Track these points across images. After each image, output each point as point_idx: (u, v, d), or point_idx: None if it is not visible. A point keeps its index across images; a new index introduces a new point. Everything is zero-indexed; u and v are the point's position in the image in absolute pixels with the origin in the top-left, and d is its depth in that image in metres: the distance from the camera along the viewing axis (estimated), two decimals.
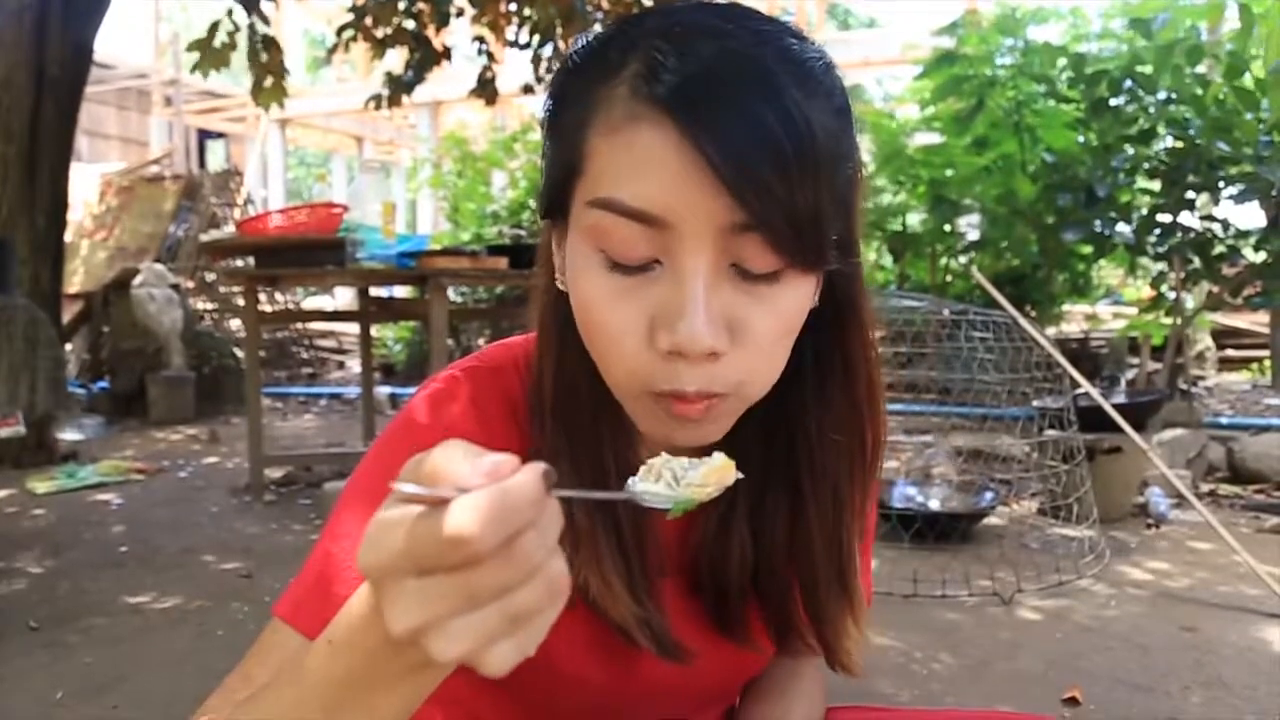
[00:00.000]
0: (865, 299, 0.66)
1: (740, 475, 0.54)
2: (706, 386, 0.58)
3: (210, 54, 4.56)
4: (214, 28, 4.59)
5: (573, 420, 0.67)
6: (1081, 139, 4.50)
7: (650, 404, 0.60)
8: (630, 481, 0.52)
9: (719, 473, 0.53)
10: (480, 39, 5.40)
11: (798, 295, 0.59)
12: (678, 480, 0.53)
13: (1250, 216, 4.34)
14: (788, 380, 0.63)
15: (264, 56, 4.67)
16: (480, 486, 0.38)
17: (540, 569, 0.39)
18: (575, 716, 0.74)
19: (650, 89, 0.55)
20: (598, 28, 0.66)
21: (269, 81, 4.70)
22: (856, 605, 0.72)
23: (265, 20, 4.69)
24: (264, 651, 0.64)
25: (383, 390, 6.23)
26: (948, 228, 5.88)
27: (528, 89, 5.46)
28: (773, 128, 0.53)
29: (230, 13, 4.61)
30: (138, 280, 6.21)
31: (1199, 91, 3.96)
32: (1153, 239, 4.26)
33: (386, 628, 0.40)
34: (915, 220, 6.16)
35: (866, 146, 6.45)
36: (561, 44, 5.12)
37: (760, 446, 0.68)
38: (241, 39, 4.64)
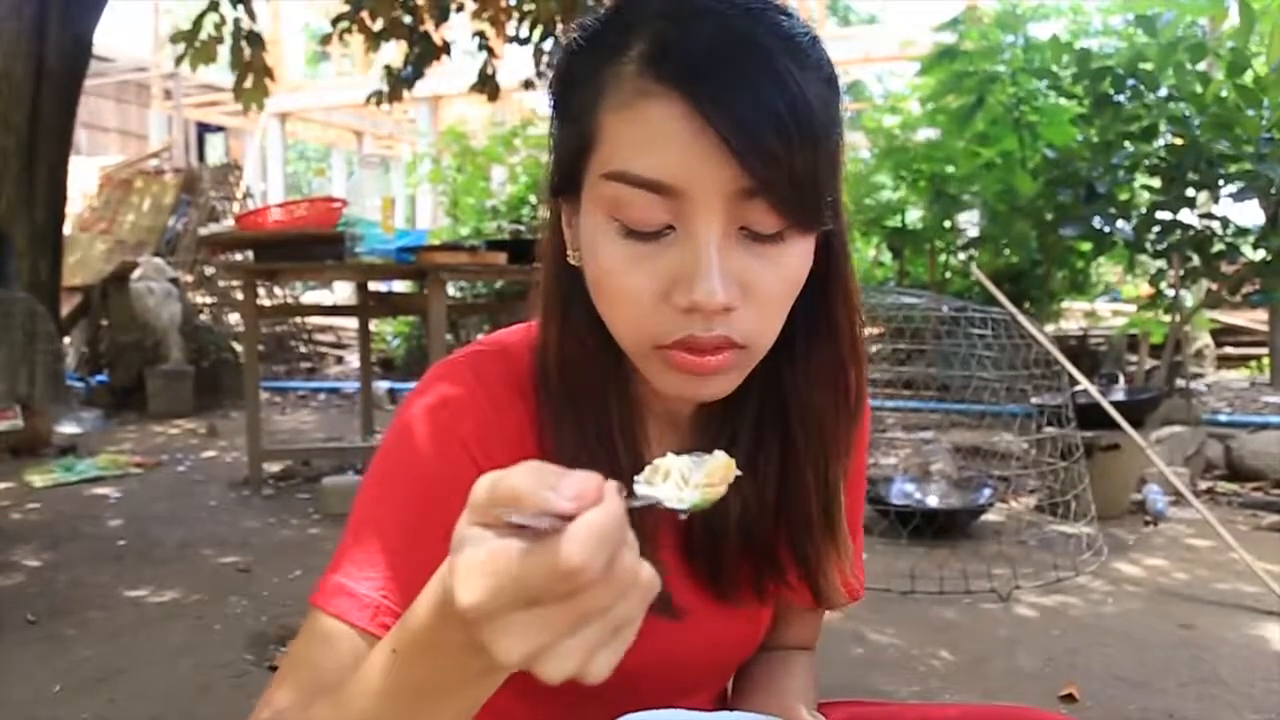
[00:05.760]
0: (849, 261, 0.70)
1: (739, 472, 0.54)
2: (724, 333, 0.61)
3: (198, 47, 4.50)
4: (199, 20, 4.50)
5: (578, 386, 0.69)
6: (1082, 136, 4.49)
7: (662, 360, 0.63)
8: (636, 481, 0.53)
9: (723, 470, 0.54)
10: (480, 34, 5.38)
11: (800, 255, 0.63)
12: (686, 480, 0.54)
13: (1250, 214, 4.35)
14: (777, 338, 0.67)
15: (247, 53, 4.60)
16: (569, 511, 0.40)
17: (637, 580, 0.42)
18: (581, 693, 0.74)
19: (657, 67, 0.58)
20: None
21: (250, 80, 4.63)
22: (842, 545, 0.76)
23: (252, 14, 4.63)
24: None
25: (381, 385, 6.23)
26: (947, 224, 5.88)
27: (528, 84, 5.44)
28: (774, 100, 0.57)
29: (217, 5, 4.54)
30: (136, 274, 6.20)
31: (1199, 89, 3.95)
32: (1152, 236, 4.25)
33: (494, 659, 0.41)
34: (915, 216, 6.15)
35: (864, 140, 6.47)
36: (562, 38, 5.09)
37: (755, 398, 0.72)
38: (229, 33, 4.58)
